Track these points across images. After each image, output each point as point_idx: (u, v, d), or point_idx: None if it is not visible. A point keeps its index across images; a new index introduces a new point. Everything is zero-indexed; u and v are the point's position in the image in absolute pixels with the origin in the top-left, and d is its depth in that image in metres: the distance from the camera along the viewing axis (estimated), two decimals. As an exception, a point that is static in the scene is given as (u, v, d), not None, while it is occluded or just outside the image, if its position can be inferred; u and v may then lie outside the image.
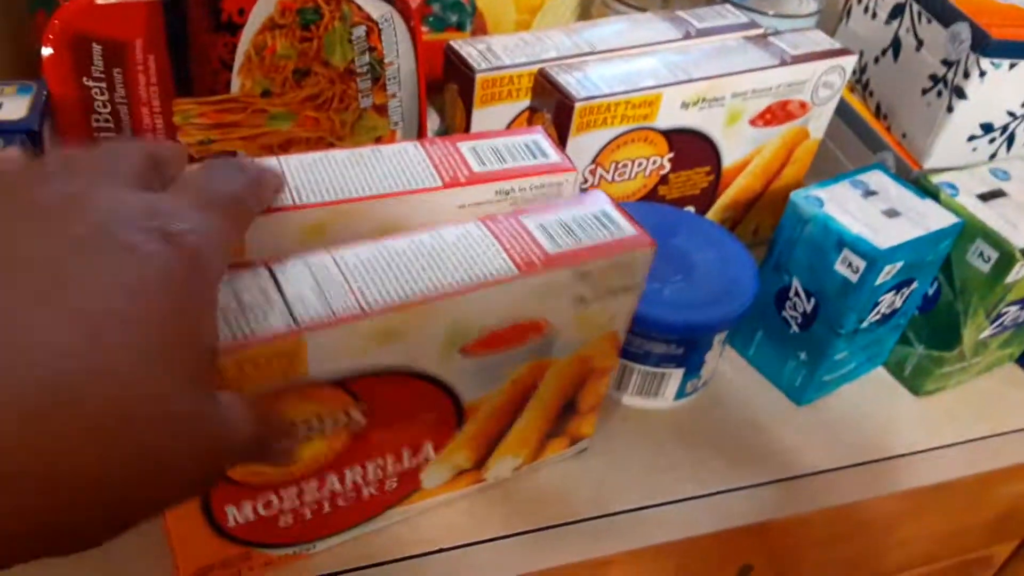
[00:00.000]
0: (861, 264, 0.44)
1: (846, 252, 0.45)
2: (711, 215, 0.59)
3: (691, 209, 0.57)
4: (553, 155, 0.40)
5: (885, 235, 0.45)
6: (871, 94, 0.61)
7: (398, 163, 0.38)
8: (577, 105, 0.47)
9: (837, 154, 0.62)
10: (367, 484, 0.39)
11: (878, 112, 0.60)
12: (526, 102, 0.52)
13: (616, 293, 0.38)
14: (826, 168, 0.63)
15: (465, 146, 0.40)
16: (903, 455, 0.50)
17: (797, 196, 0.47)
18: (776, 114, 0.55)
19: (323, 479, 0.37)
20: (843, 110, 0.62)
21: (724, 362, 0.54)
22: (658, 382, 0.49)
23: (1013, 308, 0.49)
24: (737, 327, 0.54)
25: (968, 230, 0.48)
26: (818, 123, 0.58)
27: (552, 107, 0.49)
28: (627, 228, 0.37)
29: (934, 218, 0.47)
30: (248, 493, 0.35)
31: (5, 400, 0.17)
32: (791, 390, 0.51)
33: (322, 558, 0.41)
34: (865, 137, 0.60)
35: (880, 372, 0.55)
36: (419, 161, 0.38)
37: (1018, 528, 0.69)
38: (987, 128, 0.54)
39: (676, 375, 0.48)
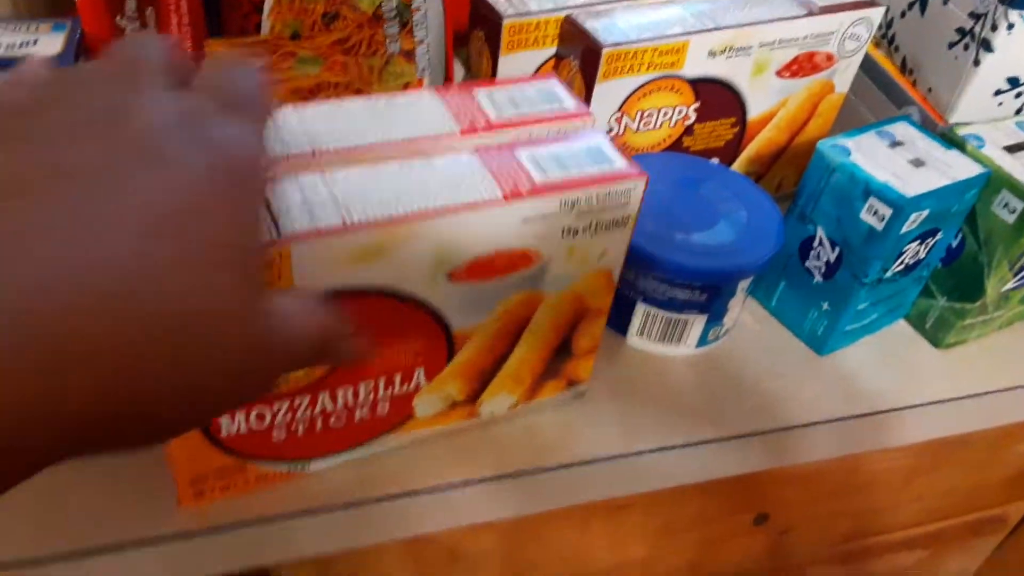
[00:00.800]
0: (887, 212, 0.45)
1: (872, 200, 0.45)
2: (735, 168, 0.59)
3: (722, 158, 0.57)
4: (568, 101, 0.40)
5: (912, 184, 0.45)
6: (896, 49, 0.60)
7: (415, 112, 0.38)
8: (604, 51, 0.47)
9: (861, 110, 0.62)
10: (359, 406, 0.40)
11: (904, 67, 0.60)
12: (553, 49, 0.52)
13: (608, 227, 0.39)
14: (851, 123, 0.63)
15: (481, 93, 0.40)
16: (922, 405, 0.50)
17: (824, 145, 0.47)
18: (802, 66, 0.55)
19: (315, 397, 0.38)
20: (868, 66, 0.61)
21: (746, 313, 0.55)
22: (680, 328, 0.49)
23: (1037, 260, 0.50)
24: (760, 278, 0.54)
25: (994, 181, 0.48)
26: (844, 76, 0.57)
27: (579, 54, 0.49)
28: (619, 163, 0.38)
29: (960, 168, 0.47)
30: None
31: (66, 301, 0.18)
32: (813, 340, 0.52)
33: (316, 482, 0.42)
34: (890, 92, 0.59)
35: (901, 325, 0.55)
36: (435, 109, 0.38)
37: (1032, 487, 0.70)
38: (1014, 82, 0.54)
39: (699, 322, 0.49)
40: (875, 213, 0.45)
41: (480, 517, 0.46)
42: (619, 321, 0.50)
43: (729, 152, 0.57)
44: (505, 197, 0.35)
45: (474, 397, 0.43)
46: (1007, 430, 0.59)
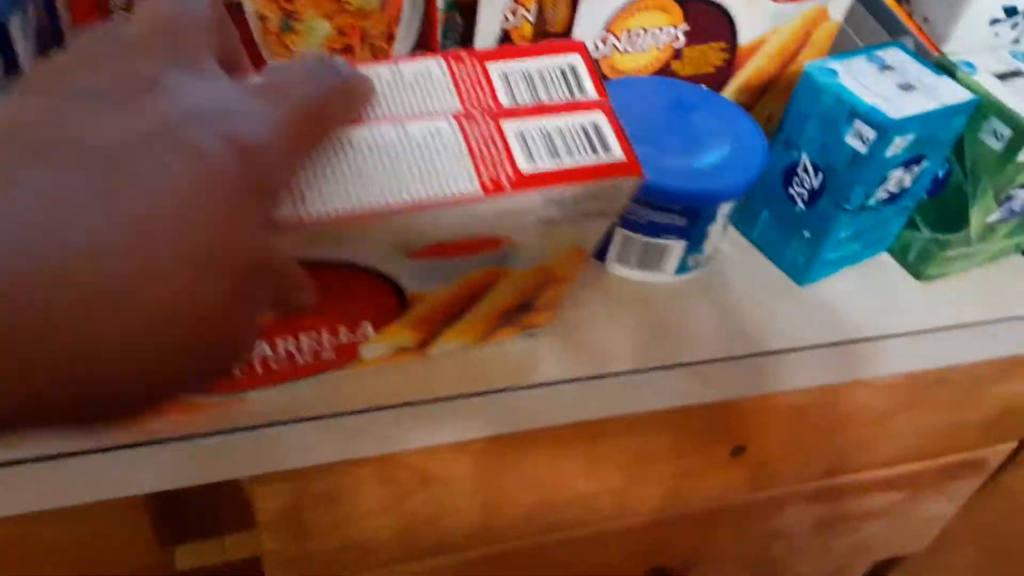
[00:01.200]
0: (872, 134, 0.44)
1: (857, 122, 0.44)
2: (726, 96, 0.58)
3: (712, 85, 0.56)
4: (590, 90, 0.35)
5: (898, 106, 0.44)
6: (895, -21, 0.59)
7: (421, 90, 0.33)
8: (590, -34, 0.46)
9: (856, 40, 0.61)
10: (301, 353, 0.38)
11: (902, -3, 0.58)
12: (539, -37, 0.50)
13: (590, 216, 0.35)
14: (844, 56, 0.61)
15: (495, 69, 0.34)
16: (901, 335, 0.50)
17: (812, 67, 0.46)
18: (797, -9, 0.54)
19: None
20: (865, -4, 0.60)
21: (728, 244, 0.54)
22: (659, 254, 0.49)
23: (1023, 192, 0.49)
24: (744, 208, 0.53)
25: (983, 107, 0.47)
26: (839, 4, 0.56)
27: (565, -32, 0.47)
28: (616, 151, 0.33)
29: (949, 94, 0.46)
30: None
31: (45, 289, 0.18)
32: (793, 269, 0.51)
33: (255, 407, 0.41)
34: (885, 22, 0.58)
35: (884, 257, 0.54)
36: (442, 88, 0.33)
37: (1014, 429, 0.70)
38: (1011, 12, 0.52)
39: (678, 248, 0.48)
40: (860, 136, 0.44)
41: (449, 437, 0.45)
42: (598, 250, 0.50)
43: (719, 80, 0.56)
44: (484, 192, 0.31)
45: (424, 345, 0.42)
46: (985, 368, 0.59)
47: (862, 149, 0.44)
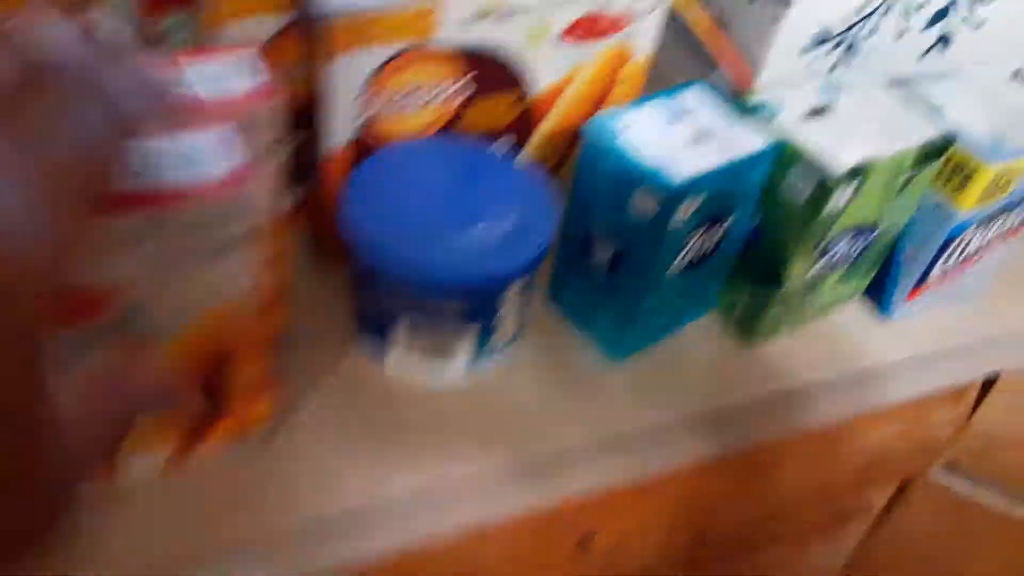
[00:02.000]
0: (657, 201, 0.38)
1: (641, 187, 0.38)
2: (532, 150, 0.52)
3: (512, 139, 0.50)
4: (256, 78, 0.32)
5: (685, 166, 0.38)
6: (708, 1, 0.54)
7: None
8: (334, 21, 0.40)
9: (673, 76, 0.55)
10: None
11: (718, 24, 0.53)
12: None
13: (221, 250, 0.30)
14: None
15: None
16: (735, 406, 0.44)
17: (591, 126, 0.41)
18: (591, 28, 0.48)
19: None
20: (677, 25, 0.55)
21: (539, 318, 0.47)
22: (447, 347, 0.42)
23: (844, 239, 0.44)
24: (552, 276, 0.47)
25: (786, 154, 0.41)
26: (643, 39, 0.50)
27: (304, 24, 0.41)
28: (223, 166, 0.29)
29: (747, 142, 0.41)
30: None
31: None
32: (607, 345, 0.45)
33: None
34: (699, 54, 0.53)
35: (712, 318, 0.49)
36: None
37: (891, 472, 0.65)
38: (824, 38, 0.47)
39: (468, 337, 0.42)
40: (645, 203, 0.38)
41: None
42: (375, 345, 0.43)
43: (518, 132, 0.50)
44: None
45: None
46: (843, 425, 0.54)
47: (649, 217, 0.38)
